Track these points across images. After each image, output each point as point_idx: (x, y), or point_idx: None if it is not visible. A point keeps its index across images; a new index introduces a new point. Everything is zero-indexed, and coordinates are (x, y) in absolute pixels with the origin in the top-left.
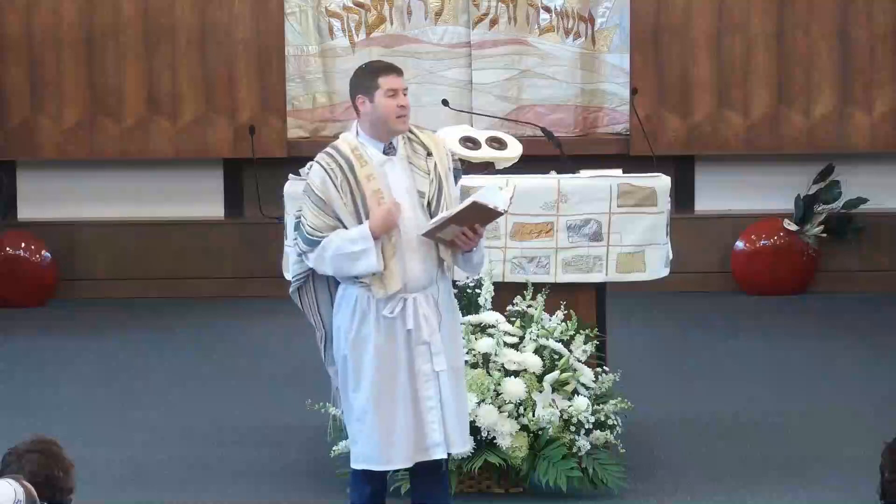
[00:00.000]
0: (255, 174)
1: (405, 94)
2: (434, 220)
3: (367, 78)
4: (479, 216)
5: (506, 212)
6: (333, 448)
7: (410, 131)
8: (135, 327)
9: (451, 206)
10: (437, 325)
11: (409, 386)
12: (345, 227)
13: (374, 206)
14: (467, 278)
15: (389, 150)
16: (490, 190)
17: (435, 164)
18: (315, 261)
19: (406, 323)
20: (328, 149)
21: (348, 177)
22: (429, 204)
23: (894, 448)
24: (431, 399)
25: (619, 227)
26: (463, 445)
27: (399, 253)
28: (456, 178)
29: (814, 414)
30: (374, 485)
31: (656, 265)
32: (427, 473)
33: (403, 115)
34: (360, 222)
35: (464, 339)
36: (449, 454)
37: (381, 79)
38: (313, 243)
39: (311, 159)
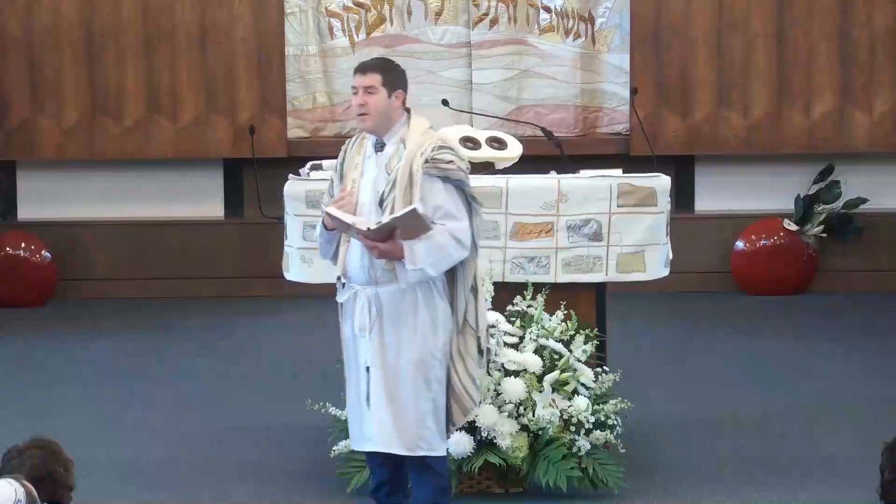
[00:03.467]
0: (255, 174)
1: (368, 93)
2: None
3: None
4: (343, 226)
5: (364, 230)
6: (333, 448)
7: (410, 131)
8: (135, 327)
9: (399, 208)
10: (368, 324)
11: (357, 375)
12: None
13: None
14: None
15: (377, 147)
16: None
17: (402, 166)
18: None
19: (352, 313)
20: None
21: (343, 161)
22: (380, 204)
23: (894, 448)
24: (362, 393)
25: (619, 227)
26: (403, 449)
27: (348, 244)
28: (458, 187)
29: (814, 413)
30: (378, 475)
31: (656, 265)
32: (410, 469)
33: (359, 113)
34: None
35: None
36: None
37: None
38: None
39: (311, 159)
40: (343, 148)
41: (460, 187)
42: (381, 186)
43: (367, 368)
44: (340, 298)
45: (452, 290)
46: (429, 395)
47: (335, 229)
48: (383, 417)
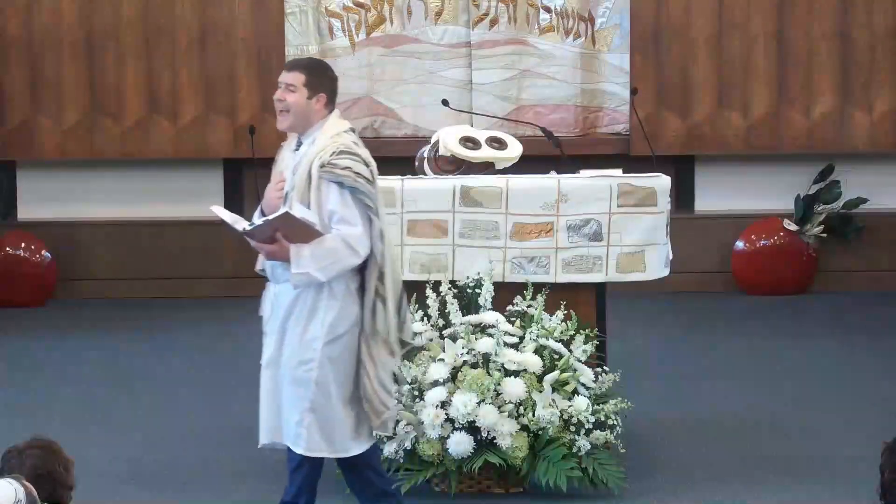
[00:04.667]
0: (255, 174)
1: (289, 90)
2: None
3: None
4: (227, 225)
5: (242, 231)
6: None
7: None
8: (135, 327)
9: (291, 208)
10: (267, 319)
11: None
12: None
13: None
14: (467, 278)
15: (297, 146)
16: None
17: (302, 167)
18: None
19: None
20: None
21: (279, 155)
22: (284, 203)
23: (894, 448)
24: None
25: (619, 227)
26: (276, 438)
27: None
28: (352, 192)
29: (813, 414)
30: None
31: (656, 265)
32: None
33: (278, 109)
34: None
35: (463, 338)
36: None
37: None
38: None
39: None
40: (283, 143)
41: (352, 192)
42: (287, 187)
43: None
44: (265, 292)
45: (364, 296)
46: (306, 394)
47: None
48: (274, 411)
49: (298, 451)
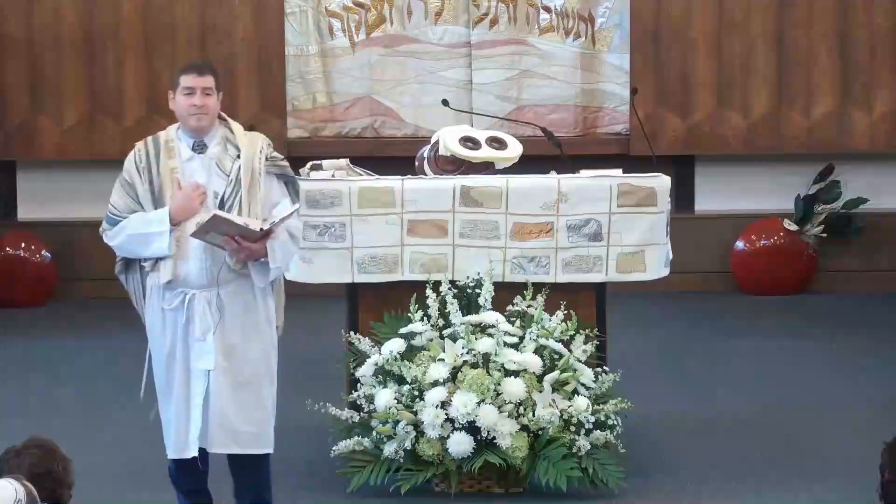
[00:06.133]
0: None
1: (206, 94)
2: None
3: (175, 75)
4: (232, 228)
5: (260, 231)
6: (333, 448)
7: (232, 132)
8: (135, 327)
9: (254, 209)
10: (212, 325)
11: (184, 381)
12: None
13: (175, 192)
14: (467, 278)
15: (198, 148)
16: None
17: (239, 166)
18: (112, 239)
19: (184, 317)
20: (150, 136)
21: (151, 164)
22: (221, 205)
23: (894, 448)
24: (197, 396)
25: (619, 227)
26: (226, 447)
27: (180, 247)
28: (289, 184)
29: (814, 413)
30: (191, 483)
31: (656, 265)
32: (238, 467)
33: (196, 113)
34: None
35: (463, 338)
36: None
37: (182, 77)
38: (113, 222)
39: (311, 159)
40: (141, 152)
41: (292, 183)
42: (217, 188)
43: (208, 371)
44: (169, 305)
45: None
46: (271, 391)
47: (176, 223)
48: (217, 418)
49: (264, 451)
